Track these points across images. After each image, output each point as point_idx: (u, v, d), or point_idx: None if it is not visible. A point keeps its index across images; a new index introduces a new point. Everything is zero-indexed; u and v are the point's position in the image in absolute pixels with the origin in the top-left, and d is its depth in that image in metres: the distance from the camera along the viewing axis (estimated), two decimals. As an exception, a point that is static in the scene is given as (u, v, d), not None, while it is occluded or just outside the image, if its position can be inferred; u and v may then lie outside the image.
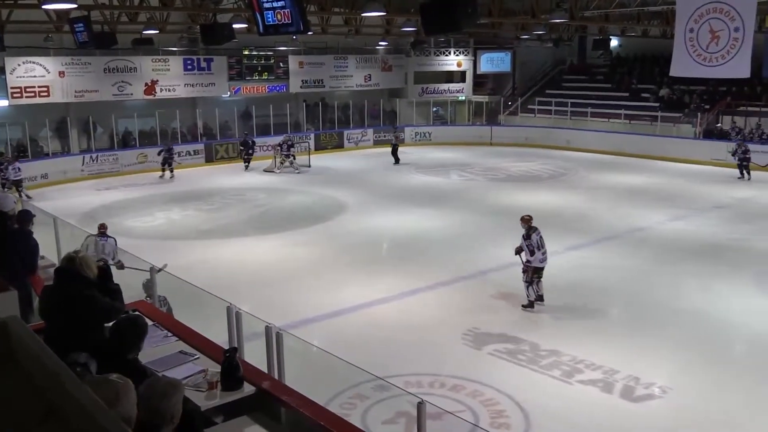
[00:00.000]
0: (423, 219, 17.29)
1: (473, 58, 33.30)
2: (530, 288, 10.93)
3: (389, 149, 26.57)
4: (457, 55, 33.11)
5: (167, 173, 23.47)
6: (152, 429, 3.03)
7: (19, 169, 20.21)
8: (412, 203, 19.11)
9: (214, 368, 4.71)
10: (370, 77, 32.64)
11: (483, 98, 33.87)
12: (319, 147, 29.37)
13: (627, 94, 30.67)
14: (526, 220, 10.88)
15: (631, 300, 11.83)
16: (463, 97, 33.82)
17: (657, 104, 29.00)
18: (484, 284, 12.36)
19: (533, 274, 10.84)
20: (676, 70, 13.24)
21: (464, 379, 8.51)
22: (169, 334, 5.43)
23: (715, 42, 12.62)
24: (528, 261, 10.85)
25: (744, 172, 22.38)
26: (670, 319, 10.72)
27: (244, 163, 25.30)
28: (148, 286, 8.12)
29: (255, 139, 26.24)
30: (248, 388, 4.56)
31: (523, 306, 10.99)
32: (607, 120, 29.48)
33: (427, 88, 33.60)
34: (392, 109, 33.18)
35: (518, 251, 10.96)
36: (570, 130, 29.82)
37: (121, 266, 9.83)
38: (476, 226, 16.69)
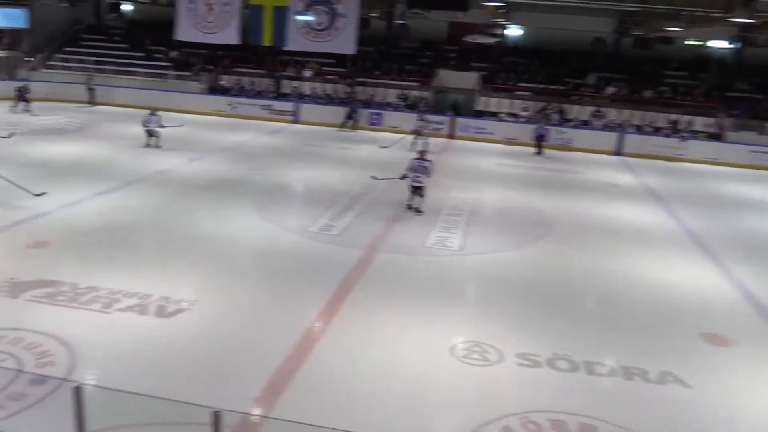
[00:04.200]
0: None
1: (-15, 12, 28.29)
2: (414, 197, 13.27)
3: None
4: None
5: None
6: None
7: None
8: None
9: None
10: None
11: (2, 53, 29.19)
12: None
13: (143, 54, 29.73)
14: None
15: (157, 232, 11.85)
16: (-22, 52, 28.70)
17: (169, 64, 28.85)
18: (18, 234, 10.97)
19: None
20: (180, 35, 13.40)
21: (4, 329, 7.55)
22: None
23: (211, 13, 13.07)
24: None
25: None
26: (189, 244, 11.05)
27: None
28: None
29: None
30: None
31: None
32: (127, 77, 28.29)
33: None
34: None
35: (402, 177, 13.32)
36: (96, 85, 27.76)
37: None
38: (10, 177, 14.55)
